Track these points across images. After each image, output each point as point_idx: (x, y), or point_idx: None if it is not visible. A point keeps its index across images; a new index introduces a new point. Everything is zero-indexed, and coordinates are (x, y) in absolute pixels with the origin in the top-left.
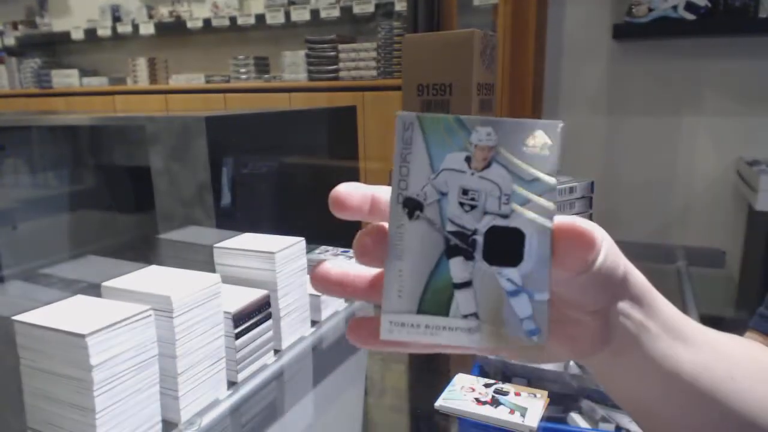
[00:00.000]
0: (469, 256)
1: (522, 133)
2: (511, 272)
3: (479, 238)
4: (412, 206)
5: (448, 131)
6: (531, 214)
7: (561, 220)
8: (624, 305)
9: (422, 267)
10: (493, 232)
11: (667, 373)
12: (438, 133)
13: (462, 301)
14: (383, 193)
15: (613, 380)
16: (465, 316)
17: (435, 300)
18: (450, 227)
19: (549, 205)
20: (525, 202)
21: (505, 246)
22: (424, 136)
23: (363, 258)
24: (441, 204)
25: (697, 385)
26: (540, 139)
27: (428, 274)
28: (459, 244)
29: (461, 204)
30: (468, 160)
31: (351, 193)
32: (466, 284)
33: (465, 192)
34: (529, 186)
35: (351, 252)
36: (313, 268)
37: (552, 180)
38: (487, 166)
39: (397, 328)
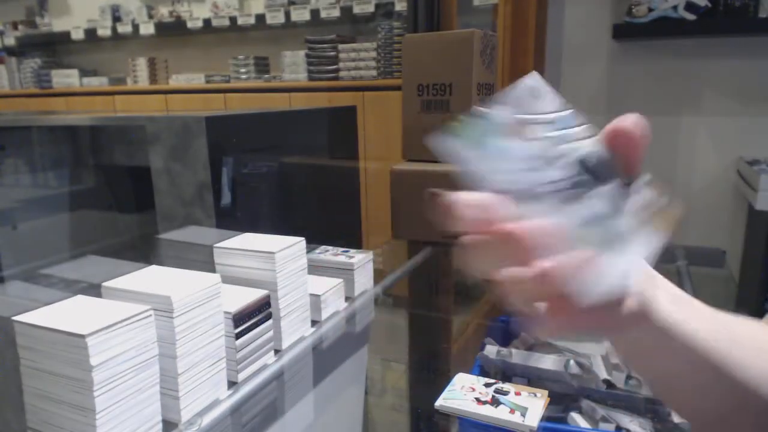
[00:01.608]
0: (580, 195)
1: (527, 95)
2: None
3: (577, 177)
4: (520, 196)
5: (481, 129)
6: (581, 141)
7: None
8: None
9: (566, 229)
10: (581, 164)
11: (682, 345)
12: (476, 134)
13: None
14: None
15: (636, 355)
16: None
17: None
18: (548, 187)
19: (583, 129)
20: (570, 139)
21: (594, 167)
22: (475, 141)
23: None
24: (532, 178)
25: (710, 360)
26: (534, 84)
27: (574, 229)
28: (569, 190)
29: (533, 167)
30: (517, 137)
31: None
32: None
33: (537, 157)
34: (562, 124)
35: (351, 252)
36: (444, 200)
37: (569, 110)
38: (527, 133)
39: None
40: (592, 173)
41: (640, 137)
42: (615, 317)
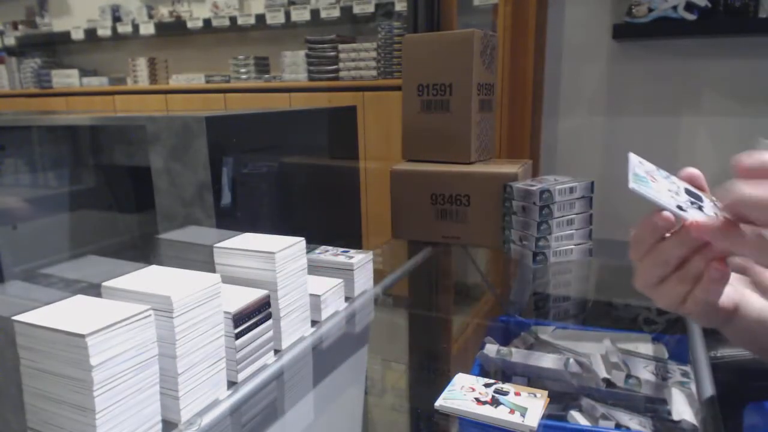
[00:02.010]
0: (701, 207)
1: (638, 161)
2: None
3: (691, 198)
4: (678, 211)
5: (643, 178)
6: (674, 179)
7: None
8: None
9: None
10: (686, 191)
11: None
12: (645, 182)
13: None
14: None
15: (736, 336)
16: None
17: None
18: (688, 205)
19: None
20: (669, 179)
21: (693, 193)
22: (645, 184)
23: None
24: (678, 201)
25: None
26: (635, 155)
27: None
28: (695, 205)
29: (673, 196)
30: (652, 180)
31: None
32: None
33: (672, 191)
34: (661, 172)
35: (351, 252)
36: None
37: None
38: (656, 179)
39: None
40: (693, 196)
41: (701, 176)
42: (722, 312)
